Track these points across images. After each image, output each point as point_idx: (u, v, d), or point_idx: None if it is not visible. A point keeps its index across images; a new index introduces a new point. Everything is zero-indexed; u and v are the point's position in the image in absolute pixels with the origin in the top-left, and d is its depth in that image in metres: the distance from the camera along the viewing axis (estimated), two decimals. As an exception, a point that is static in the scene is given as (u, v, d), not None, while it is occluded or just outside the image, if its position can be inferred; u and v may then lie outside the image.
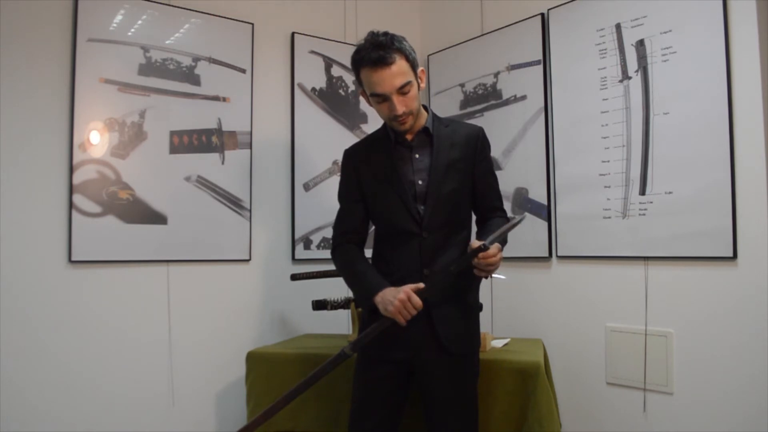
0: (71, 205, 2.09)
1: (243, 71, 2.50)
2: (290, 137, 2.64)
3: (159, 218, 2.27)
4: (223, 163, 2.44)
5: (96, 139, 2.15)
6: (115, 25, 2.20)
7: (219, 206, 2.42)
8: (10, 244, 1.99)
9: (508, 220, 1.71)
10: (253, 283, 2.52)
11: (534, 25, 2.44)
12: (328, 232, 2.66)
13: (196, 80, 2.38)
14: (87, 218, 2.12)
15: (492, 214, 1.75)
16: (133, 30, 2.24)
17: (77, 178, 2.11)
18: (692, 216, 1.94)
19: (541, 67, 2.42)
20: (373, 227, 1.78)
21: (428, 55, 2.93)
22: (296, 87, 2.66)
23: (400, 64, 1.53)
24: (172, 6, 2.34)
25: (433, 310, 1.59)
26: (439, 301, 1.60)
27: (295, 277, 2.35)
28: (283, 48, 2.66)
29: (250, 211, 2.50)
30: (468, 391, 1.66)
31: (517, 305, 2.51)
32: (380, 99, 1.57)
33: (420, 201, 1.63)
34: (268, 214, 2.57)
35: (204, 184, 2.39)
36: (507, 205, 1.77)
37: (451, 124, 1.73)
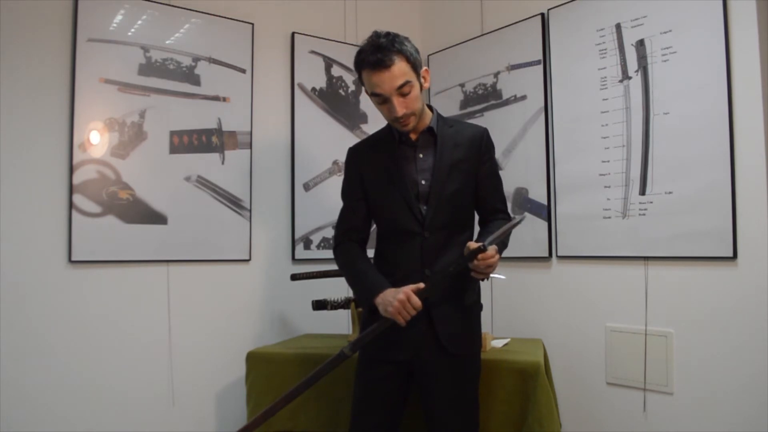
0: (71, 205, 2.09)
1: (243, 71, 2.50)
2: (290, 137, 2.64)
3: (159, 218, 2.27)
4: (223, 163, 2.44)
5: (96, 139, 2.15)
6: (115, 25, 2.20)
7: (219, 206, 2.42)
8: (10, 244, 1.99)
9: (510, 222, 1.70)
10: (253, 283, 2.52)
11: (534, 25, 2.44)
12: (328, 232, 2.66)
13: (196, 80, 2.38)
14: (87, 218, 2.12)
15: (494, 215, 1.74)
16: (133, 30, 2.25)
17: (77, 178, 2.11)
18: (692, 216, 1.94)
19: (541, 67, 2.42)
20: (375, 226, 1.78)
21: (428, 55, 2.93)
22: (296, 87, 2.66)
23: (399, 66, 1.52)
24: (172, 6, 2.34)
25: (433, 311, 1.59)
26: (438, 301, 1.60)
27: (295, 277, 2.35)
28: (283, 48, 2.66)
29: (250, 211, 2.50)
30: (468, 391, 1.66)
31: (517, 305, 2.51)
32: (380, 100, 1.57)
33: (422, 201, 1.63)
34: (268, 214, 2.57)
35: (204, 184, 2.39)
36: (507, 205, 1.78)
37: (456, 125, 1.73)
